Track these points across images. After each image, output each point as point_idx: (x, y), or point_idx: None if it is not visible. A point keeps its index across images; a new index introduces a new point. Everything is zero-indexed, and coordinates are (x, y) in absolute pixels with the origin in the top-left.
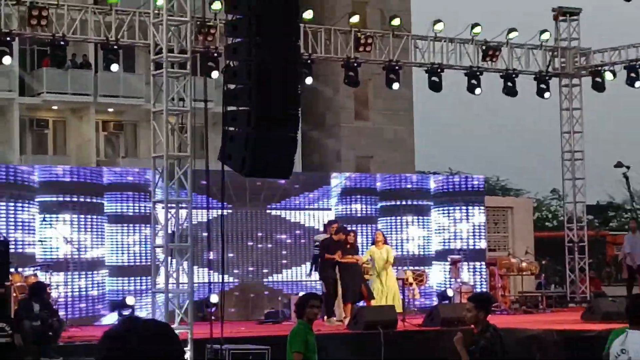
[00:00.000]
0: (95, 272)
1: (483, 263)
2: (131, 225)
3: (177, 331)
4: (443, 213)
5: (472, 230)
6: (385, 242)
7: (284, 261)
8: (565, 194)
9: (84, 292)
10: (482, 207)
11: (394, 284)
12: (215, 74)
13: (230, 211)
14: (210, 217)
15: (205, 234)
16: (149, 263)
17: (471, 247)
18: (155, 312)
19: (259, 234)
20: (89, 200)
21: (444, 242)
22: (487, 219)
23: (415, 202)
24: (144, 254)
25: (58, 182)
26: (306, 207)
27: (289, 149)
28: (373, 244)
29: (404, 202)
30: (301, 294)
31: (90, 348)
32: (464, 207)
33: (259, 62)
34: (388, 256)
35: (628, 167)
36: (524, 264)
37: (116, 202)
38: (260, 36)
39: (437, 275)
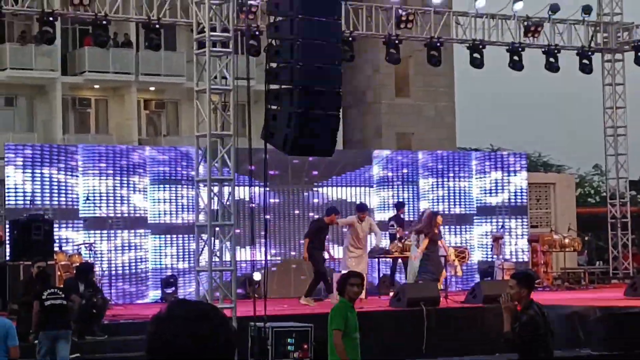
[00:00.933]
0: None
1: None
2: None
3: (221, 308)
4: (485, 192)
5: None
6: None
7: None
8: (608, 170)
9: (127, 270)
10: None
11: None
12: (257, 53)
13: (273, 190)
14: (253, 196)
15: (249, 210)
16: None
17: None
18: (199, 290)
19: (302, 212)
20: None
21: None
22: (530, 195)
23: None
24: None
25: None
26: (349, 184)
27: (331, 127)
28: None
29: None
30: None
31: (134, 326)
32: (505, 177)
33: (301, 40)
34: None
35: None
36: (566, 240)
37: (159, 174)
38: (302, 14)
39: (480, 231)
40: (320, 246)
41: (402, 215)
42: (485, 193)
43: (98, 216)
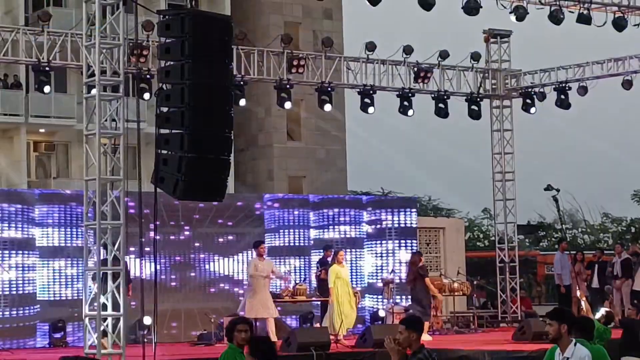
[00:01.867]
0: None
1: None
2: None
3: (109, 355)
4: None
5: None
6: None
7: (217, 282)
8: (496, 214)
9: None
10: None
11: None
12: (147, 96)
13: (162, 235)
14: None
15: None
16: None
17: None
18: (87, 336)
19: (191, 255)
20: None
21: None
22: (419, 239)
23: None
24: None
25: None
26: (239, 227)
27: (222, 171)
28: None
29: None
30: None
31: None
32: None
33: (192, 85)
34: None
35: (558, 190)
36: (455, 285)
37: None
38: (193, 59)
39: (369, 260)
40: None
41: (328, 259)
42: (376, 237)
43: None
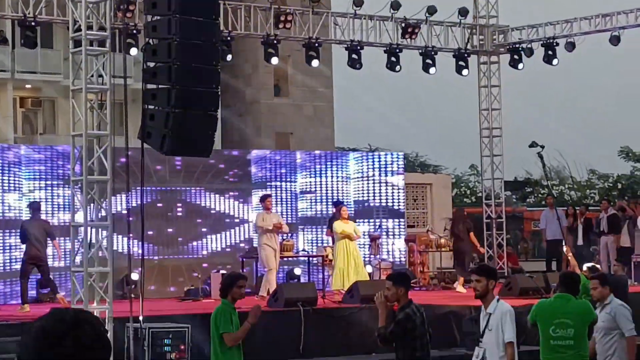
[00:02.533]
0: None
1: (402, 220)
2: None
3: (97, 310)
4: (362, 181)
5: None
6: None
7: (205, 237)
8: (483, 171)
9: (2, 270)
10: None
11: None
12: (134, 51)
13: (151, 188)
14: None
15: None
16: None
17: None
18: (74, 291)
19: (179, 212)
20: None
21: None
22: (407, 195)
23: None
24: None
25: None
26: (228, 184)
27: (209, 127)
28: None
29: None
30: (222, 272)
31: (9, 327)
32: (382, 177)
33: (178, 39)
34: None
35: (542, 147)
36: (442, 240)
37: (34, 179)
38: (180, 13)
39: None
40: None
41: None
42: (363, 193)
43: None
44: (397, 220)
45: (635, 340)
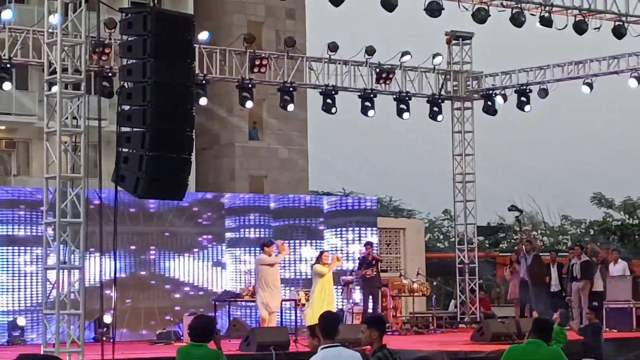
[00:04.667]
0: None
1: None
2: (22, 247)
3: (68, 353)
4: (336, 234)
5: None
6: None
7: (176, 281)
8: (456, 216)
9: None
10: (375, 228)
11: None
12: (110, 94)
13: (124, 232)
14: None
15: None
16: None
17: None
18: (46, 334)
19: (152, 254)
20: None
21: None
22: (380, 240)
23: (308, 222)
24: (35, 274)
25: None
26: (201, 228)
27: (183, 170)
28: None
29: (297, 222)
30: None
31: None
32: (356, 229)
33: (153, 83)
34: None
35: (521, 211)
36: (415, 285)
37: (7, 223)
38: (155, 57)
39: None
40: None
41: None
42: (337, 238)
43: None
44: None
45: None
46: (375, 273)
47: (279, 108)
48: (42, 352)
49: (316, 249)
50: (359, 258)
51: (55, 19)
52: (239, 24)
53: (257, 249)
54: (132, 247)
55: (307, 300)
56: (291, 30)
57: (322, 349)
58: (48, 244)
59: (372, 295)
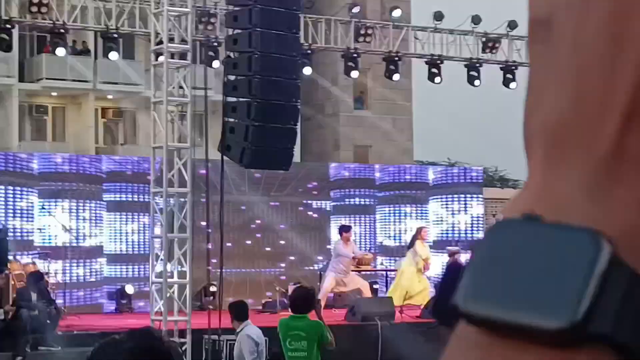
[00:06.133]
0: (93, 260)
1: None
2: (130, 213)
3: (176, 321)
4: (441, 204)
5: (470, 221)
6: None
7: (282, 251)
8: None
9: (82, 280)
10: (481, 198)
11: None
12: (215, 64)
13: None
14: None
15: (203, 224)
16: (147, 252)
17: (469, 238)
18: (153, 302)
19: (257, 224)
20: (87, 188)
21: (442, 233)
22: (486, 210)
23: (413, 192)
24: (142, 243)
25: (57, 173)
26: (307, 197)
27: (288, 140)
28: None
29: (402, 192)
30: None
31: (89, 337)
32: (462, 198)
33: (259, 53)
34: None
35: None
36: None
37: (115, 192)
38: (261, 27)
39: (435, 266)
40: None
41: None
42: (443, 208)
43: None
44: (477, 234)
45: None
46: None
47: (383, 77)
48: (150, 320)
49: (421, 219)
50: None
51: None
52: None
53: (361, 216)
54: (238, 217)
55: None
56: None
57: None
58: (155, 213)
59: None
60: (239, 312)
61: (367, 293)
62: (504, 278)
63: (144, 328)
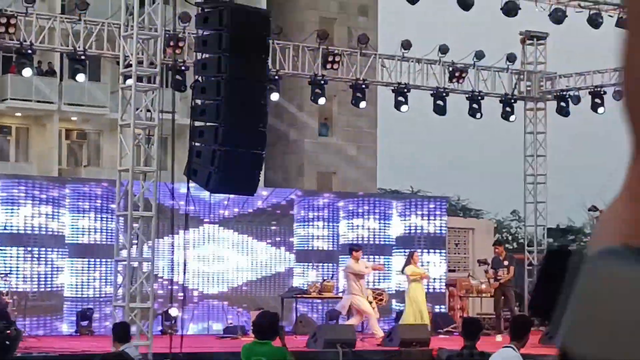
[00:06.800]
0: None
1: (443, 251)
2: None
3: (137, 345)
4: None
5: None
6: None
7: (249, 277)
8: (526, 217)
9: (42, 303)
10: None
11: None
12: (183, 88)
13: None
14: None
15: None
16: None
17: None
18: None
19: (222, 250)
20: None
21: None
22: (449, 240)
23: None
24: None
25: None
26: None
27: (255, 165)
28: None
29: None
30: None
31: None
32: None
33: (228, 78)
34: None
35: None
36: (483, 286)
37: (78, 213)
38: (231, 52)
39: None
40: None
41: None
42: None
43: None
44: (439, 263)
45: None
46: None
47: (349, 104)
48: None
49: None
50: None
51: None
52: (312, 20)
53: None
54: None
55: (375, 298)
56: (363, 27)
57: None
58: (119, 237)
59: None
60: (121, 333)
61: (374, 322)
62: (605, 319)
63: (117, 352)
